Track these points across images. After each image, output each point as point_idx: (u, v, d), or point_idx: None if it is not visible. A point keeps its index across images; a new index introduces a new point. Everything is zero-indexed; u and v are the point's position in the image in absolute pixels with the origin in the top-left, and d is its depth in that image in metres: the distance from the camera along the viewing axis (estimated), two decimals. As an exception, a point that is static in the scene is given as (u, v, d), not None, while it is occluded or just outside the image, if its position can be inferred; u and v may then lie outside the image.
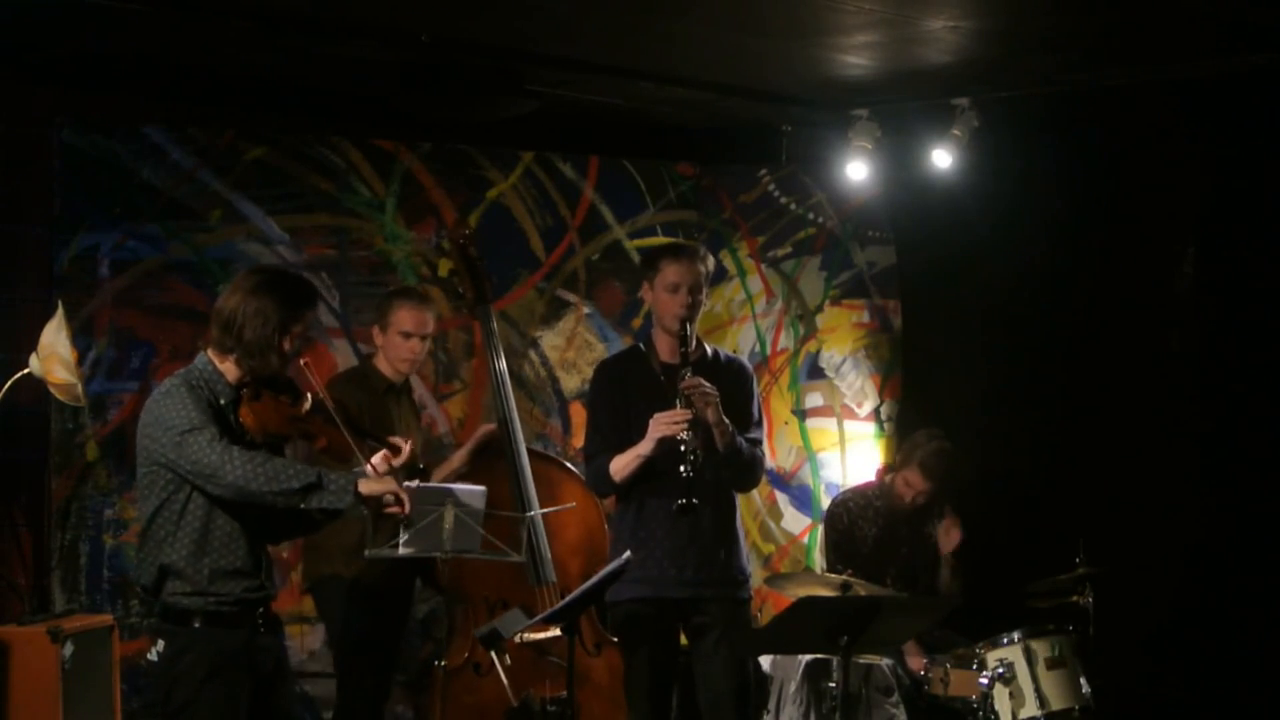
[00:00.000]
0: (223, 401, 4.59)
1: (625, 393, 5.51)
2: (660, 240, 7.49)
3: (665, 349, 5.52)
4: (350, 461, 4.69)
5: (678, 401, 5.29)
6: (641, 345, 5.64)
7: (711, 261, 5.60)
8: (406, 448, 4.78)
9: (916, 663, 6.33)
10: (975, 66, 6.44)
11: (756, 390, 5.67)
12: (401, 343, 5.93)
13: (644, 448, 5.34)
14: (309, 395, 4.69)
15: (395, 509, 4.63)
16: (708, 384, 5.31)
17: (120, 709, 5.86)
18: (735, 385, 5.53)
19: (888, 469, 6.87)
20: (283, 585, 6.07)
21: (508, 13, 5.82)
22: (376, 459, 4.74)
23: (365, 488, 4.53)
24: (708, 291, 5.57)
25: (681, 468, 5.23)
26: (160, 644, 4.61)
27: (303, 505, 4.49)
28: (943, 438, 6.64)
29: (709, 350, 5.59)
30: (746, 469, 5.51)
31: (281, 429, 4.65)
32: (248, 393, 4.60)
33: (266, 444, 4.65)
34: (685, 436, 5.25)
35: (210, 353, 4.62)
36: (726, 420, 5.36)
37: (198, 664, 4.53)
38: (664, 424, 5.28)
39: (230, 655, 4.55)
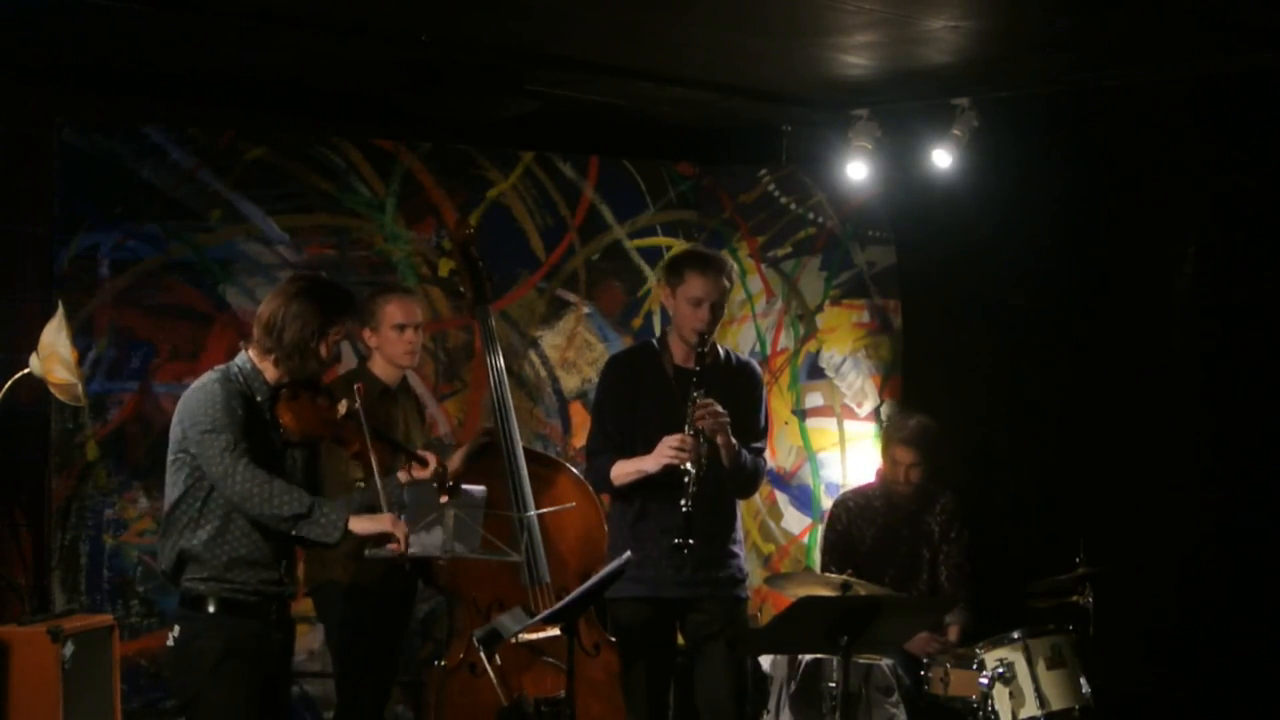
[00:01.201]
0: (259, 399, 4.75)
1: (634, 391, 5.52)
2: (658, 241, 7.49)
3: (679, 352, 5.52)
4: (376, 470, 4.80)
5: (686, 427, 5.29)
6: (655, 343, 5.64)
7: (736, 273, 5.61)
8: (433, 462, 4.95)
9: (926, 648, 6.31)
10: (975, 66, 6.44)
11: (765, 397, 5.67)
12: (397, 337, 5.93)
13: (648, 465, 5.35)
14: (345, 402, 4.80)
15: (393, 546, 4.78)
16: (720, 409, 5.31)
17: (120, 709, 5.86)
18: (745, 391, 5.54)
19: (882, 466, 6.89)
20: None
21: (508, 13, 5.82)
22: (402, 473, 4.95)
23: (357, 526, 4.71)
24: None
25: (682, 502, 5.24)
26: (176, 630, 4.72)
27: (293, 532, 4.65)
28: (918, 414, 6.74)
29: (721, 353, 5.59)
30: (748, 481, 5.54)
31: (316, 430, 4.78)
32: (286, 392, 4.76)
33: (302, 443, 4.81)
34: (689, 467, 5.25)
35: (251, 352, 4.80)
36: (734, 441, 5.37)
37: (209, 649, 4.63)
38: (672, 451, 5.28)
39: (242, 643, 4.66)
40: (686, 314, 5.45)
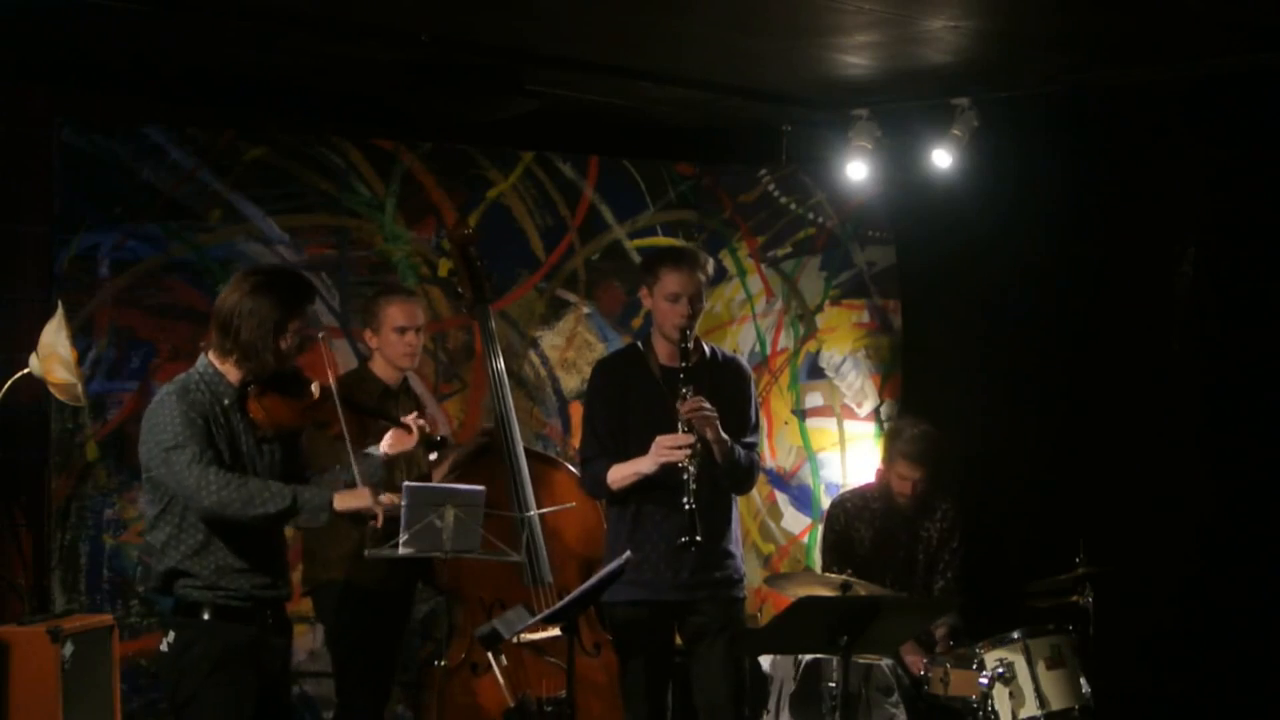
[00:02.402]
0: (226, 402, 4.63)
1: (623, 395, 5.50)
2: (658, 241, 7.49)
3: (664, 352, 5.51)
4: (364, 443, 4.76)
5: (679, 425, 5.27)
6: (640, 345, 5.63)
7: (712, 266, 5.57)
8: (415, 425, 4.84)
9: (915, 662, 6.33)
10: (975, 66, 6.44)
11: (755, 393, 5.66)
12: (398, 339, 5.94)
13: (645, 467, 5.33)
14: (316, 383, 4.71)
15: (373, 523, 4.73)
16: (708, 406, 5.29)
17: (120, 709, 5.86)
18: (734, 387, 5.53)
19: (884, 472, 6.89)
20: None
21: (508, 13, 5.82)
22: (388, 438, 4.85)
23: (341, 504, 4.63)
24: (708, 295, 5.57)
25: (685, 500, 5.22)
26: (171, 636, 4.65)
27: (281, 525, 4.61)
28: (923, 423, 6.67)
29: (707, 350, 5.59)
30: (743, 476, 5.52)
31: (293, 421, 4.72)
32: (255, 389, 4.65)
33: (280, 437, 4.72)
34: (686, 463, 5.24)
35: (211, 355, 4.67)
36: (726, 437, 5.36)
37: (205, 656, 4.58)
38: (667, 449, 5.27)
39: (237, 649, 4.61)
40: (666, 310, 5.43)
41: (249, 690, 4.61)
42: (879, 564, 6.59)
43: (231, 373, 4.65)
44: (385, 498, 4.72)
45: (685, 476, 5.23)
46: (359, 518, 4.96)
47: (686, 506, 5.22)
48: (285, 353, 4.66)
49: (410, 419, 4.92)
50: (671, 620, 5.51)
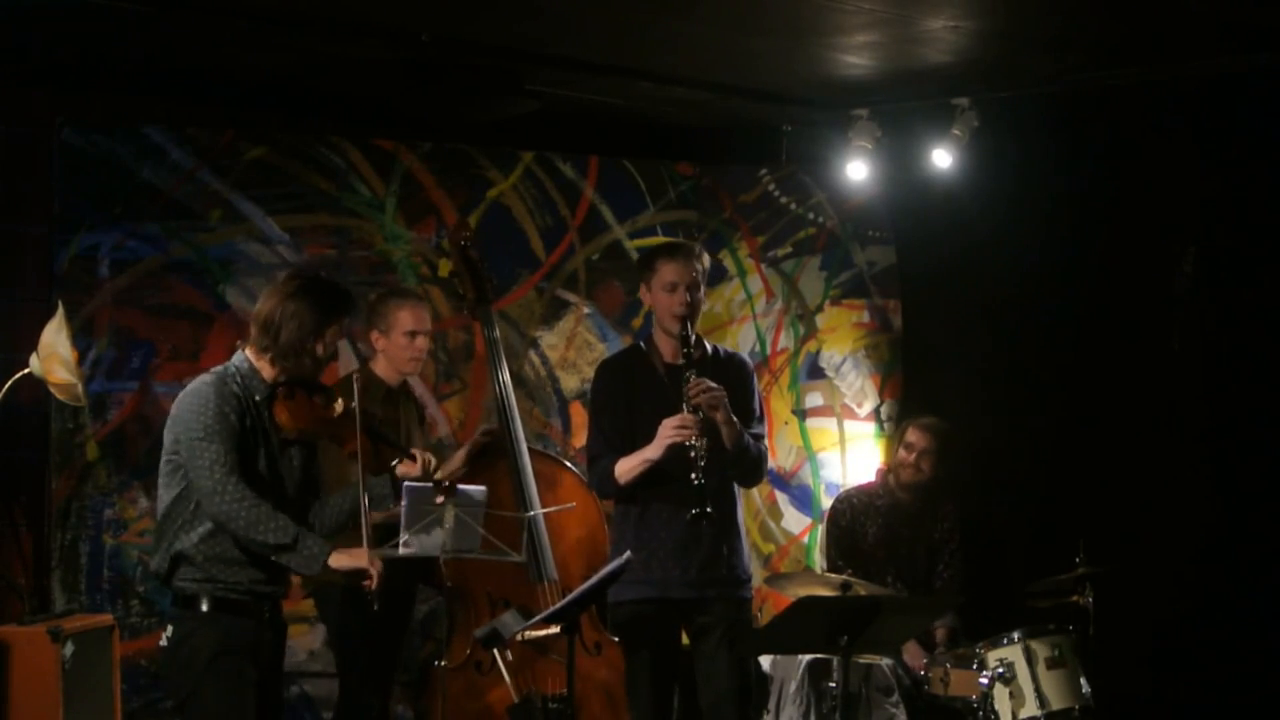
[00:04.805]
0: (257, 398, 4.75)
1: (628, 393, 5.52)
2: (656, 240, 7.49)
3: (667, 349, 5.52)
4: (372, 468, 4.86)
5: (684, 406, 5.29)
6: (642, 345, 5.64)
7: (708, 259, 5.60)
8: (421, 459, 5.00)
9: (916, 661, 6.34)
10: (975, 66, 6.45)
11: (757, 386, 5.69)
12: (408, 343, 5.95)
13: (652, 453, 5.35)
14: (341, 400, 4.82)
15: (366, 583, 4.75)
16: (714, 384, 5.32)
17: (120, 709, 5.86)
18: (737, 381, 5.55)
19: (887, 469, 6.90)
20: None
21: (508, 13, 5.82)
22: (400, 469, 4.97)
23: (336, 561, 4.70)
24: (705, 289, 5.59)
25: (693, 475, 5.24)
26: (170, 629, 4.71)
27: (272, 558, 4.66)
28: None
29: (709, 348, 5.60)
30: (753, 465, 5.53)
31: (312, 428, 4.81)
32: (283, 390, 4.77)
33: (298, 441, 4.82)
34: (694, 443, 5.25)
35: (249, 351, 4.79)
36: (735, 419, 5.37)
37: (203, 647, 4.63)
38: (673, 430, 5.28)
39: (236, 640, 4.65)
40: (664, 301, 5.46)
41: (248, 682, 4.65)
42: (884, 560, 6.60)
43: (267, 370, 4.76)
44: (378, 565, 4.76)
45: (693, 454, 5.24)
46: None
47: (696, 481, 5.23)
48: (320, 358, 4.79)
49: (420, 454, 5.08)
50: (678, 618, 5.51)
